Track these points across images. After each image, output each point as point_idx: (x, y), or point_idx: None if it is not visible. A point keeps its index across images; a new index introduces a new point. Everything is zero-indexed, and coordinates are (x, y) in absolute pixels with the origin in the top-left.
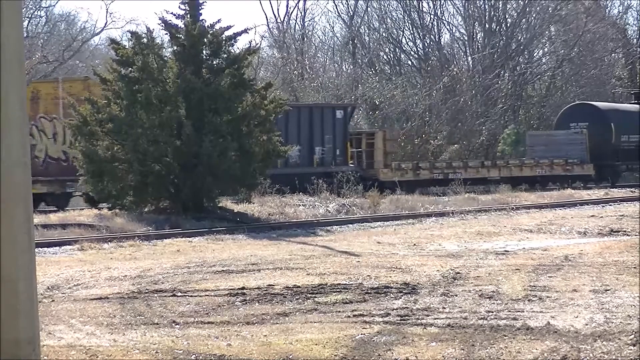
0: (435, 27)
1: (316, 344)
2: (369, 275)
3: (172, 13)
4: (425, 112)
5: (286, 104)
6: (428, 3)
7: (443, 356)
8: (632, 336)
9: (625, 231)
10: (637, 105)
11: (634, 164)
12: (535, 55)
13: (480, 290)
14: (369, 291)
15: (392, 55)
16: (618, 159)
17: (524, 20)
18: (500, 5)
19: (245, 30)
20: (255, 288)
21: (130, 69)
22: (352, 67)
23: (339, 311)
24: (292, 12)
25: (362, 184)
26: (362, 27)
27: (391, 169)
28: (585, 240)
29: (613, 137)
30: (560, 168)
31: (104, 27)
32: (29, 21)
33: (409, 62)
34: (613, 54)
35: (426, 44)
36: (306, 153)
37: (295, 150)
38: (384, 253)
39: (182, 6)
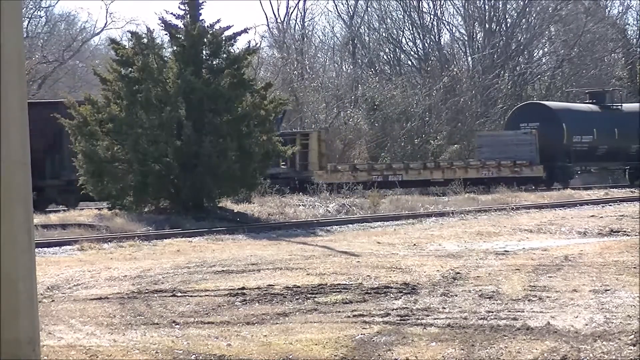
0: (435, 27)
1: (316, 344)
2: (369, 276)
3: (172, 13)
4: (425, 112)
5: (286, 103)
6: (428, 3)
7: (443, 356)
8: (632, 336)
9: (625, 231)
10: (591, 105)
11: (588, 165)
12: (535, 55)
13: (480, 290)
14: (369, 291)
15: (392, 55)
16: (570, 160)
17: (524, 20)
18: (500, 5)
19: (245, 30)
20: (255, 288)
21: (130, 69)
22: (352, 67)
23: (339, 311)
24: (292, 12)
25: (294, 186)
26: (362, 27)
27: (327, 170)
28: (585, 240)
29: (565, 138)
30: (508, 170)
31: (104, 27)
32: (29, 21)
33: (409, 62)
34: (613, 54)
35: (426, 44)
36: None
37: None
38: (384, 253)
39: (182, 6)
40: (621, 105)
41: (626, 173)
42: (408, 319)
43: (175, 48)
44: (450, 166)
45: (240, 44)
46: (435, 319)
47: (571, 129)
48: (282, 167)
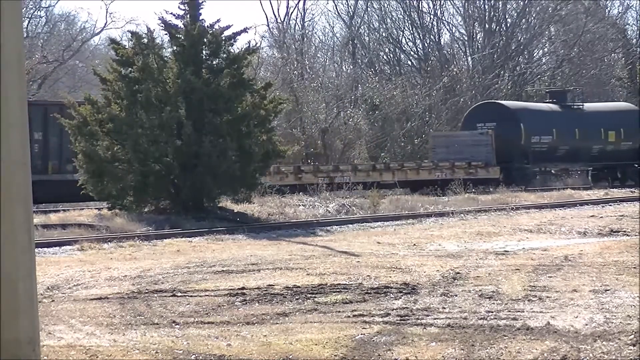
0: (435, 27)
1: (316, 344)
2: (368, 276)
3: (171, 13)
4: (425, 112)
5: (286, 103)
6: (428, 3)
7: (443, 356)
8: (632, 336)
9: (625, 231)
10: (551, 104)
11: (547, 166)
12: (535, 55)
13: (480, 290)
14: (369, 291)
15: (392, 55)
16: (528, 161)
17: (524, 20)
18: (500, 5)
19: (245, 30)
20: (255, 288)
21: (130, 69)
22: (352, 67)
23: (339, 311)
24: (292, 12)
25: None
26: (362, 27)
27: (269, 172)
28: (585, 240)
29: (523, 138)
30: (463, 171)
31: (104, 27)
32: (29, 21)
33: (409, 62)
34: (613, 54)
35: (426, 44)
36: None
37: None
38: (384, 253)
39: (182, 6)
40: (582, 105)
41: (589, 174)
42: (408, 319)
43: (175, 48)
44: (400, 168)
45: (240, 44)
46: (435, 319)
47: (530, 129)
48: None
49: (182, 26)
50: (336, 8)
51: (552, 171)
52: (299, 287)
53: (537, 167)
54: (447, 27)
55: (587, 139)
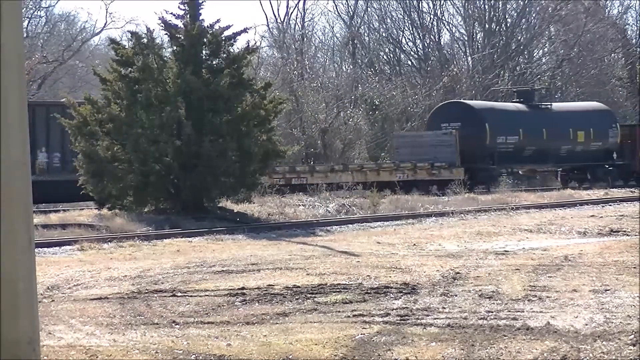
0: (435, 27)
1: (316, 344)
2: (368, 275)
3: (171, 13)
4: (425, 112)
5: (286, 103)
6: (428, 3)
7: (443, 356)
8: (632, 336)
9: (625, 231)
10: (518, 104)
11: (514, 167)
12: (535, 55)
13: (480, 290)
14: (369, 291)
15: (392, 55)
16: (493, 162)
17: (523, 20)
18: (500, 5)
19: (245, 30)
20: (255, 288)
21: (130, 69)
22: (352, 67)
23: (339, 311)
24: (292, 12)
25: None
26: (362, 27)
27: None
28: (585, 240)
29: (488, 138)
30: (425, 172)
31: (104, 27)
32: (29, 21)
33: (409, 62)
34: (613, 54)
35: (426, 44)
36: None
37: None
38: (384, 253)
39: (182, 6)
40: (551, 105)
41: (558, 175)
42: (408, 319)
43: (175, 48)
44: (360, 169)
45: (240, 44)
46: (435, 319)
47: (495, 129)
48: None
49: (182, 26)
50: (336, 8)
51: (520, 172)
52: (299, 287)
53: (504, 168)
54: (447, 27)
55: (555, 139)
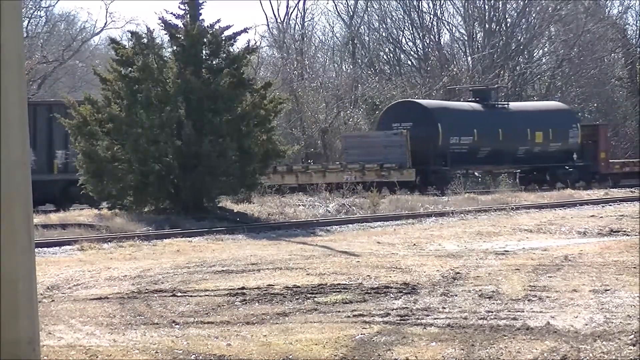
0: (435, 27)
1: (316, 344)
2: (368, 275)
3: (171, 13)
4: None
5: (286, 103)
6: (428, 3)
7: (443, 356)
8: (632, 336)
9: (625, 231)
10: (473, 103)
11: (468, 169)
12: (535, 55)
13: (480, 290)
14: (369, 291)
15: (392, 55)
16: (446, 163)
17: (523, 20)
18: (500, 5)
19: (245, 30)
20: (255, 288)
21: (130, 69)
22: (352, 67)
23: (339, 311)
24: (292, 12)
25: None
26: (362, 27)
27: None
28: (585, 240)
29: (440, 139)
30: (374, 174)
31: (104, 27)
32: (29, 21)
33: (409, 62)
34: (613, 54)
35: (426, 44)
36: (44, 158)
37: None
38: (384, 253)
39: (182, 6)
40: (507, 104)
41: (516, 177)
42: (408, 319)
43: (175, 48)
44: (305, 170)
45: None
46: (435, 318)
47: (448, 129)
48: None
49: (182, 26)
50: (336, 8)
51: (476, 174)
52: (299, 287)
53: (458, 169)
54: (447, 27)
55: (511, 139)
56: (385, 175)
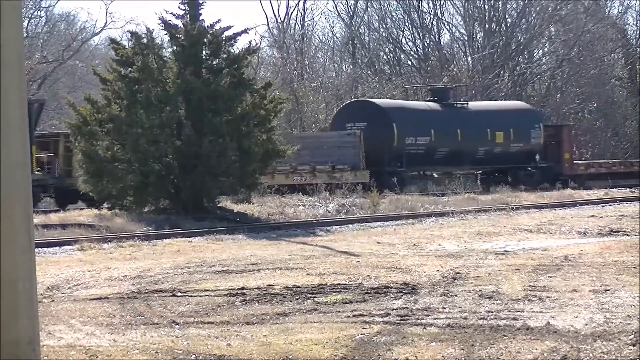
0: (435, 27)
1: (316, 344)
2: (368, 275)
3: (171, 13)
4: None
5: (286, 103)
6: (428, 3)
7: (443, 356)
8: (632, 336)
9: (625, 231)
10: (431, 103)
11: (425, 170)
12: (535, 55)
13: (480, 290)
14: (369, 291)
15: (392, 55)
16: (402, 164)
17: (523, 20)
18: (500, 5)
19: (245, 30)
20: (255, 288)
21: (130, 69)
22: (352, 67)
23: (339, 311)
24: (292, 12)
25: (50, 195)
26: (362, 27)
27: None
28: (585, 240)
29: (395, 140)
30: (326, 175)
31: (104, 27)
32: (29, 21)
33: (409, 62)
34: (613, 54)
35: (426, 44)
36: None
37: None
38: (384, 253)
39: (182, 6)
40: (467, 104)
41: (477, 178)
42: (408, 319)
43: (175, 48)
44: None
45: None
46: (435, 318)
47: (403, 129)
48: (38, 173)
49: (182, 26)
50: (336, 8)
51: (435, 175)
52: (298, 287)
53: (415, 170)
54: (447, 27)
55: (470, 140)
56: (338, 177)
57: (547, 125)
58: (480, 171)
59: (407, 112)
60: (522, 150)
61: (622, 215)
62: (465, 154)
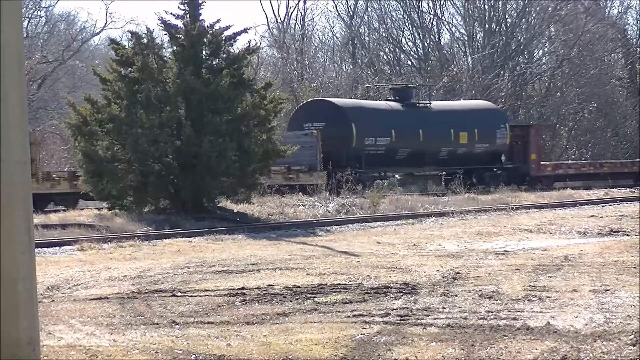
0: (435, 27)
1: (316, 344)
2: (368, 275)
3: (171, 13)
4: None
5: (286, 103)
6: (428, 3)
7: (443, 356)
8: (632, 336)
9: (625, 231)
10: (392, 103)
11: (386, 171)
12: (535, 55)
13: (480, 290)
14: (369, 291)
15: (392, 55)
16: (361, 165)
17: (523, 20)
18: (500, 5)
19: (245, 30)
20: (255, 288)
21: (130, 69)
22: (352, 67)
23: (339, 311)
24: (292, 12)
25: None
26: (362, 27)
27: (37, 179)
28: (585, 240)
29: (354, 140)
30: (281, 176)
31: (104, 27)
32: (29, 21)
33: (409, 62)
34: (613, 54)
35: (426, 44)
36: None
37: None
38: (384, 253)
39: (182, 6)
40: (430, 103)
41: (441, 179)
42: (408, 319)
43: (175, 48)
44: None
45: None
46: (435, 319)
47: (363, 130)
48: None
49: (182, 26)
50: (336, 8)
51: (397, 176)
52: (298, 287)
53: (375, 172)
54: (447, 27)
55: (433, 140)
56: (294, 179)
57: (514, 125)
58: (444, 172)
59: (366, 112)
60: (488, 151)
61: (622, 215)
62: (427, 155)
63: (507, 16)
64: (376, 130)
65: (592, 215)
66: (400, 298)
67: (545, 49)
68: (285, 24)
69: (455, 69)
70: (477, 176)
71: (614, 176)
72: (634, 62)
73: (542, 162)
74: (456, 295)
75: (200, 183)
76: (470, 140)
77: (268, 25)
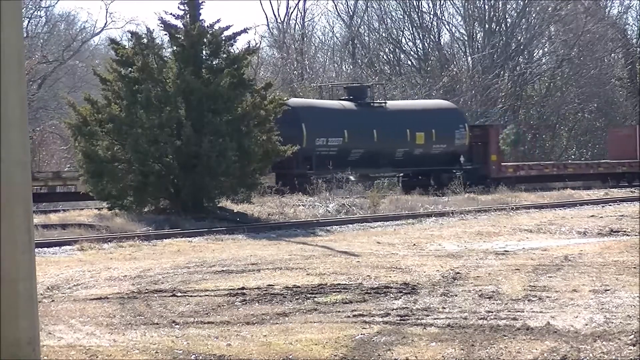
0: (435, 27)
1: (316, 344)
2: (368, 275)
3: (171, 13)
4: None
5: (285, 103)
6: (428, 3)
7: (443, 356)
8: (632, 336)
9: (625, 231)
10: (345, 102)
11: (337, 173)
12: (535, 55)
13: (480, 290)
14: (369, 291)
15: (392, 55)
16: (311, 167)
17: (523, 20)
18: (500, 5)
19: (245, 30)
20: (255, 288)
21: (130, 69)
22: (352, 67)
23: (339, 311)
24: (292, 12)
25: None
26: (362, 27)
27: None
28: (585, 240)
29: (304, 141)
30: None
31: (104, 27)
32: (29, 21)
33: (409, 62)
34: (613, 54)
35: (426, 44)
36: None
37: None
38: (384, 253)
39: (182, 6)
40: (385, 103)
41: (399, 181)
42: (408, 319)
43: (174, 48)
44: None
45: (240, 44)
46: (435, 319)
47: (313, 130)
48: None
49: (182, 26)
50: (336, 8)
51: (351, 178)
52: (298, 287)
53: (327, 173)
54: (447, 27)
55: (388, 141)
56: None
57: (473, 125)
58: (401, 174)
59: (318, 112)
60: (446, 152)
61: (622, 215)
62: (382, 156)
63: (507, 16)
64: (328, 130)
65: (592, 215)
66: (400, 298)
67: (545, 49)
68: (285, 24)
69: (455, 69)
70: (435, 177)
71: (578, 178)
72: (634, 62)
73: (502, 163)
74: (456, 295)
75: (200, 183)
76: (427, 140)
77: (268, 25)
